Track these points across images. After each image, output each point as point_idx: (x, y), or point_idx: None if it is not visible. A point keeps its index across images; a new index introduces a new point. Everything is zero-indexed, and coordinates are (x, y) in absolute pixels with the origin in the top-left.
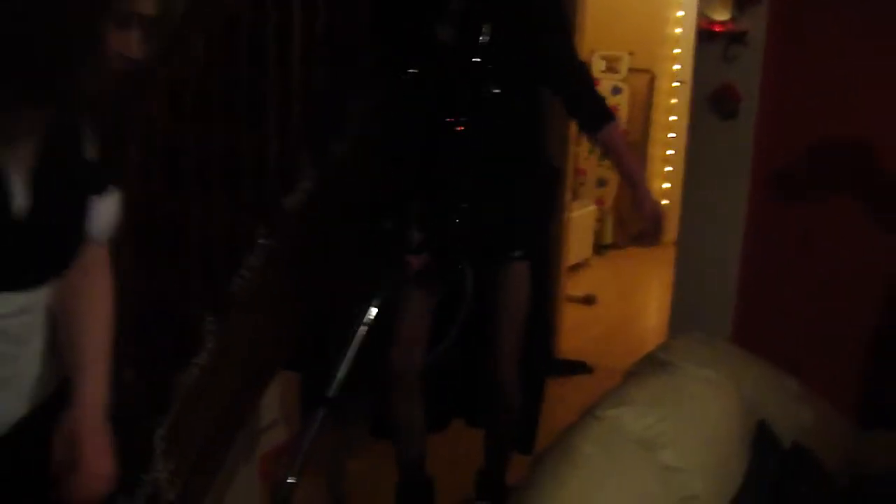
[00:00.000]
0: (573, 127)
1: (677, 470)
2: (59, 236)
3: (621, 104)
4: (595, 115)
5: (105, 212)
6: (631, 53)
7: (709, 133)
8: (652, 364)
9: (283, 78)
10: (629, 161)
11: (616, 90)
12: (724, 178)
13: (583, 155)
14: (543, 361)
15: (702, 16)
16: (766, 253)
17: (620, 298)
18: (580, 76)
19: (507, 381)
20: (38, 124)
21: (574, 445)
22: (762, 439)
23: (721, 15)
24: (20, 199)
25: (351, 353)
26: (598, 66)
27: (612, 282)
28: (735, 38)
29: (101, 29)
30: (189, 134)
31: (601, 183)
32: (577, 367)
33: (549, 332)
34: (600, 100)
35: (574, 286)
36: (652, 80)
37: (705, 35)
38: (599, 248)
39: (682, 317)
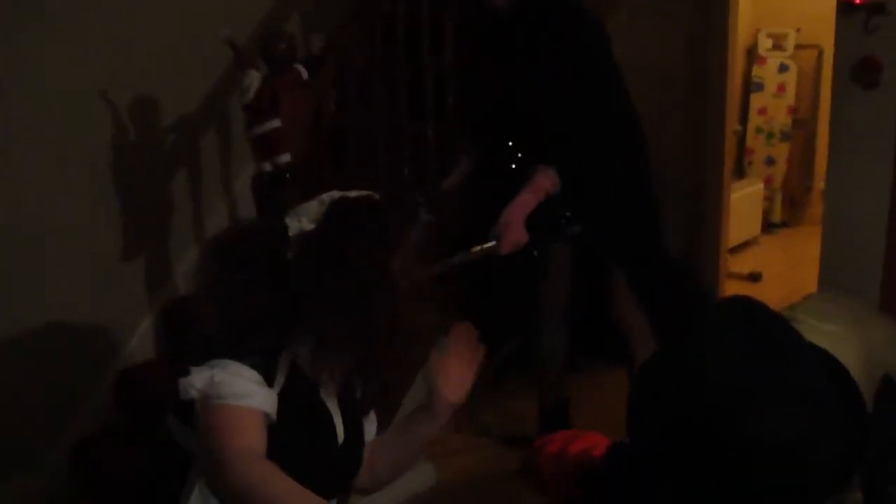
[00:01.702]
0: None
1: None
2: (358, 458)
3: (788, 82)
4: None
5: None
6: (798, 30)
7: (851, 104)
8: None
9: (437, 69)
10: (528, 191)
11: (783, 67)
12: (867, 148)
13: (750, 134)
14: None
15: None
16: None
17: (787, 276)
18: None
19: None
20: (349, 363)
21: None
22: (884, 391)
23: None
24: (341, 432)
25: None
26: (764, 45)
27: (779, 259)
28: (875, 8)
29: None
30: (355, 122)
31: (770, 161)
32: None
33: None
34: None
35: (740, 264)
36: (820, 56)
37: (845, 8)
38: (768, 226)
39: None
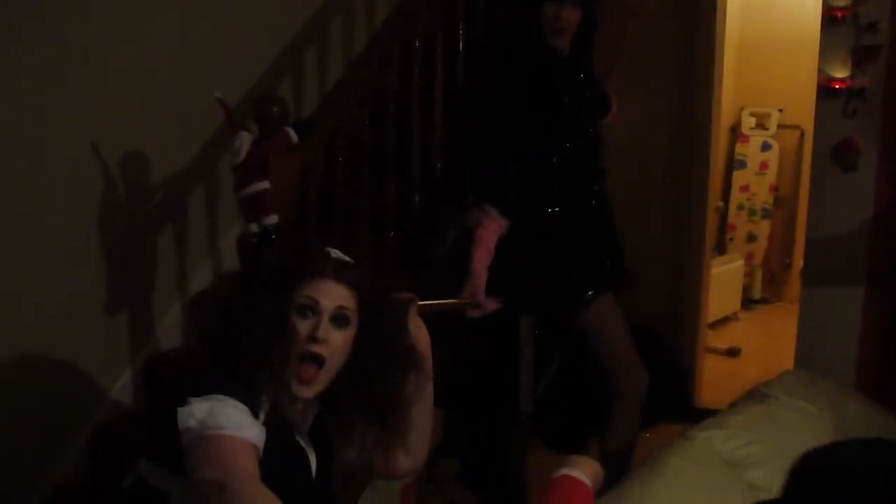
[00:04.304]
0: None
1: (763, 489)
2: (328, 494)
3: (771, 160)
4: None
5: None
6: (780, 110)
7: (830, 186)
8: (752, 396)
9: (426, 139)
10: None
11: (766, 146)
12: (845, 229)
13: (732, 210)
14: None
15: (821, 73)
16: (889, 302)
17: (766, 351)
18: None
19: None
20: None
21: (663, 460)
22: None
23: (840, 72)
24: (314, 468)
25: None
26: (747, 123)
27: (758, 335)
28: (854, 93)
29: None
30: (342, 185)
31: (751, 238)
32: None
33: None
34: None
35: (719, 339)
36: (802, 136)
37: (825, 92)
38: (748, 302)
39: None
